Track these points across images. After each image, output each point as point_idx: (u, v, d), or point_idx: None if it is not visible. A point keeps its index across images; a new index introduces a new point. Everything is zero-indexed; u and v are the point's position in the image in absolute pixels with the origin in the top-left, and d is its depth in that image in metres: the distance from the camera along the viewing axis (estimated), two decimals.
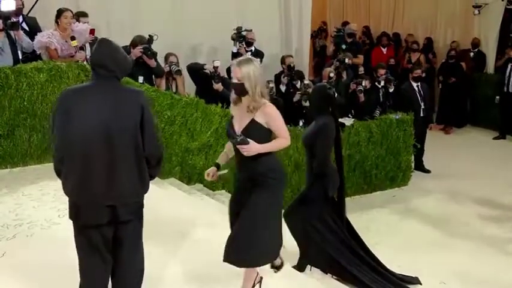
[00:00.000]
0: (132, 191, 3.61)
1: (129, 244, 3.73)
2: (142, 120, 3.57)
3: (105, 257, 3.69)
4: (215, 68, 8.24)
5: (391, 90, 9.68)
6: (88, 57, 7.23)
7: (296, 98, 8.66)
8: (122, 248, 3.72)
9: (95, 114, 3.49)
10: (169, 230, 5.42)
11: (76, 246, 3.69)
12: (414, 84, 9.89)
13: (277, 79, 9.69)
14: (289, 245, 5.42)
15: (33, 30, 7.69)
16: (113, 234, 3.68)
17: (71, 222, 3.66)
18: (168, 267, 4.74)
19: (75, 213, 3.63)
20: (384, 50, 13.52)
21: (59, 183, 3.67)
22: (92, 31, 7.69)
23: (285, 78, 9.60)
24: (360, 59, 10.96)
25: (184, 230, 5.48)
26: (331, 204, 5.36)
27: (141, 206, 3.75)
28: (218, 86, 8.12)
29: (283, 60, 9.92)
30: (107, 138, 3.49)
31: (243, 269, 4.29)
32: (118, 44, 3.77)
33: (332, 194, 5.33)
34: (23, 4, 7.91)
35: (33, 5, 7.85)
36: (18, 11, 7.52)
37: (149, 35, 7.84)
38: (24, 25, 7.67)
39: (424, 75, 10.40)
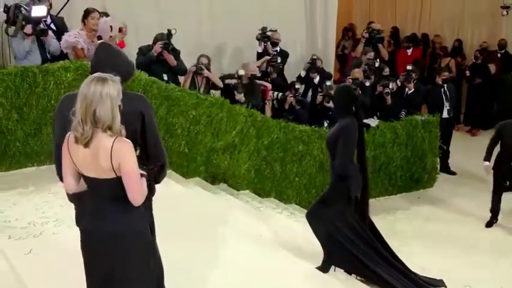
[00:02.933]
0: None
1: None
2: (143, 126, 3.51)
3: None
4: (239, 76, 8.21)
5: (409, 91, 9.55)
6: None
7: (318, 99, 8.62)
8: None
9: None
10: (192, 229, 5.45)
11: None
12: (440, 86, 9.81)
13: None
14: (313, 245, 5.43)
15: (61, 30, 7.75)
16: None
17: None
18: (190, 266, 4.75)
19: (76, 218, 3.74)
20: (409, 52, 13.39)
21: None
22: (121, 29, 7.78)
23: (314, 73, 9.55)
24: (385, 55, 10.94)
25: (207, 230, 5.50)
26: (354, 204, 5.34)
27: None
28: (240, 97, 7.99)
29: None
30: None
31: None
32: (119, 49, 3.72)
33: (355, 194, 5.29)
34: (50, 5, 7.97)
35: (63, 6, 7.91)
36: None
37: (168, 30, 7.86)
38: (52, 26, 7.73)
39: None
